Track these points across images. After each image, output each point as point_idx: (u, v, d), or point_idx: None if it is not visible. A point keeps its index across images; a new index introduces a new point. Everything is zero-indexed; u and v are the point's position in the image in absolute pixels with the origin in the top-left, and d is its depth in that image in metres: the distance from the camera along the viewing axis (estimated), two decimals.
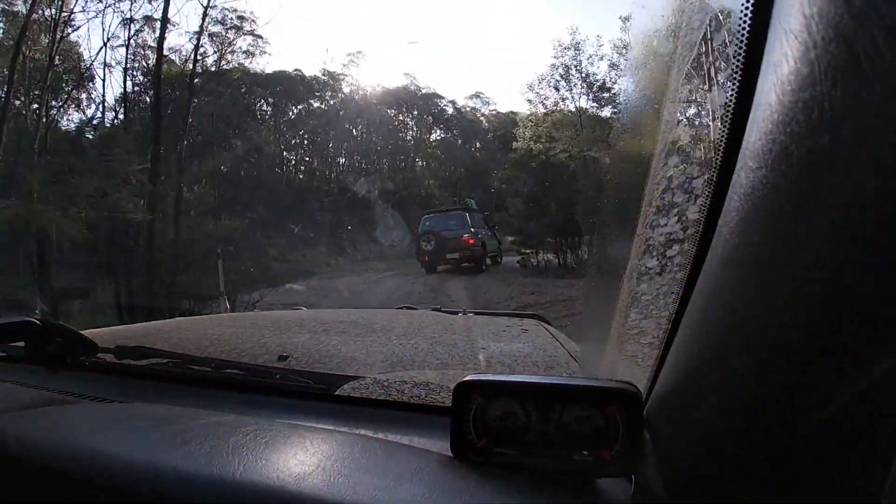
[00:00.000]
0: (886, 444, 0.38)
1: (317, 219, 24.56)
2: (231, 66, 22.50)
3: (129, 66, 19.84)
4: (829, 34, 0.27)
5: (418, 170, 31.54)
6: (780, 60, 0.32)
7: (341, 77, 28.76)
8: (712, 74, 0.53)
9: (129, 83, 19.83)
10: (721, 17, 0.44)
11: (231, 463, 0.58)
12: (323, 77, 28.02)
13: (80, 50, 18.64)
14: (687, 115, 0.59)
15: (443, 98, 32.22)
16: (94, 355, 1.05)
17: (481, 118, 33.42)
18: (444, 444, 0.66)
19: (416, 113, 31.68)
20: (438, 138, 32.51)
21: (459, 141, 31.96)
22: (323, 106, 28.61)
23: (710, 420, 0.45)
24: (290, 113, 28.14)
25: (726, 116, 0.42)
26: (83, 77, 18.87)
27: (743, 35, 0.38)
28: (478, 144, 32.70)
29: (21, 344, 0.99)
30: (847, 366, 0.31)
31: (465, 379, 0.66)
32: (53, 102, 17.99)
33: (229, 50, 22.56)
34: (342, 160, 29.75)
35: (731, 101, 0.41)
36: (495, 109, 33.67)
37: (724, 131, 0.42)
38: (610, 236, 1.04)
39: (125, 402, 0.99)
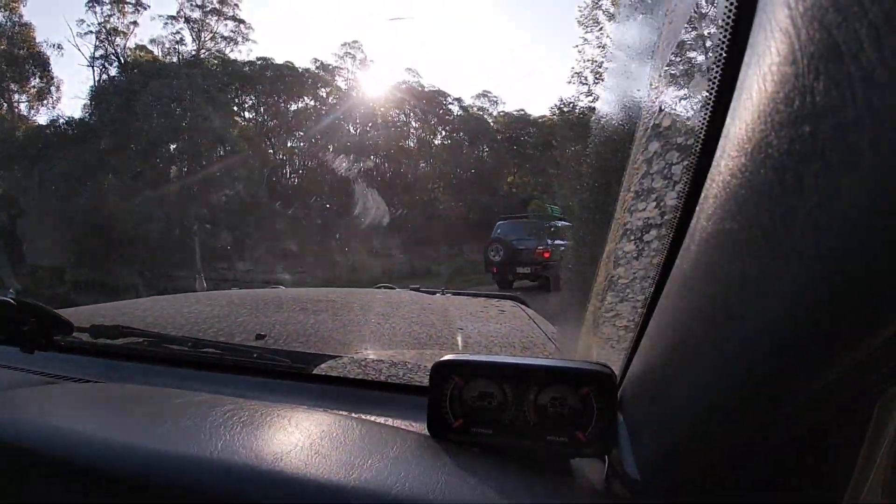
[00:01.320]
0: (857, 430, 0.39)
1: (303, 224, 22.91)
2: (209, 53, 21.07)
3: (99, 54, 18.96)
4: (814, 27, 0.27)
5: (421, 172, 29.54)
6: (764, 51, 0.32)
7: (335, 70, 26.48)
8: (695, 61, 0.54)
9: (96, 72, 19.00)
10: (706, 5, 0.44)
11: (208, 442, 0.58)
12: (316, 70, 26.00)
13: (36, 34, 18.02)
14: (668, 100, 0.59)
15: (448, 96, 30.15)
16: (70, 335, 1.03)
17: (488, 118, 31.46)
18: (421, 423, 0.66)
19: (419, 111, 29.62)
20: (444, 139, 30.52)
21: (466, 142, 30.07)
22: (315, 102, 26.64)
23: (682, 402, 0.46)
24: (279, 107, 25.51)
25: (708, 104, 0.42)
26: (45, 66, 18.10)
27: (728, 24, 0.38)
28: (486, 147, 30.72)
29: None
30: (822, 354, 0.32)
31: (442, 359, 0.67)
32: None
33: (209, 37, 21.18)
34: (334, 160, 26.84)
35: (713, 88, 0.41)
36: (503, 110, 31.82)
37: (704, 119, 0.43)
38: (588, 220, 1.05)
39: (101, 382, 0.97)
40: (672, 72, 0.58)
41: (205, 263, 15.77)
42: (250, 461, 0.55)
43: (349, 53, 26.77)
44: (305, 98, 25.87)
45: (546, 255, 12.06)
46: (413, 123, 29.88)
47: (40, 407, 0.68)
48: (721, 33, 0.39)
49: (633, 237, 0.68)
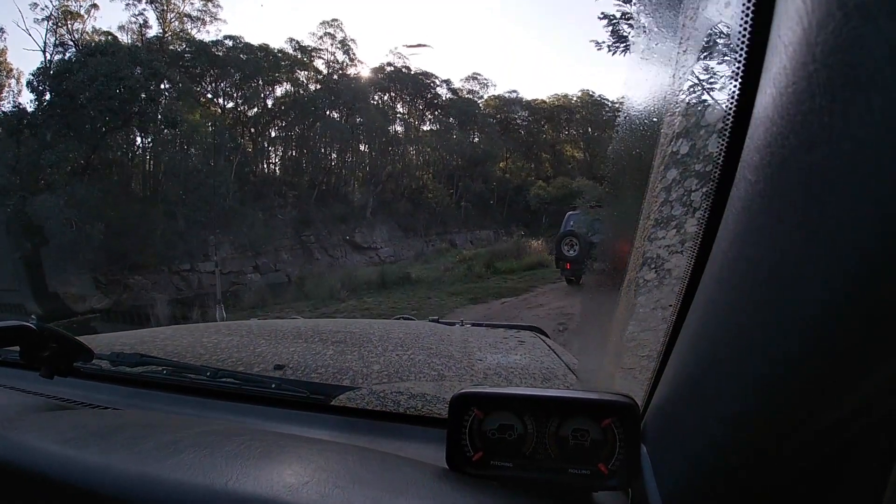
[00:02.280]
0: (884, 456, 0.37)
1: (277, 218, 21.26)
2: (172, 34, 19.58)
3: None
4: (828, 48, 0.27)
5: (409, 159, 28.55)
6: (779, 74, 0.32)
7: (314, 51, 24.90)
8: (711, 87, 0.54)
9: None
10: (721, 31, 0.44)
11: (224, 472, 0.57)
12: (293, 52, 24.39)
13: None
14: (686, 127, 0.59)
15: (436, 78, 28.93)
16: (90, 361, 1.04)
17: (479, 101, 30.33)
18: (439, 455, 0.65)
19: (406, 95, 28.23)
20: (432, 124, 29.21)
21: (456, 127, 28.72)
22: (293, 86, 24.89)
23: (706, 433, 0.44)
24: (252, 91, 23.43)
25: (725, 129, 0.42)
26: None
27: (742, 48, 0.38)
28: (476, 132, 29.44)
29: (16, 349, 0.98)
30: (845, 380, 0.31)
31: (461, 391, 0.66)
32: None
33: (174, 17, 19.31)
34: (315, 147, 25.45)
35: (729, 113, 0.41)
36: (495, 94, 30.72)
37: (722, 144, 0.43)
38: (608, 248, 1.04)
39: (119, 410, 0.98)
40: (688, 98, 0.58)
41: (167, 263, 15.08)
42: (266, 492, 0.54)
43: (329, 33, 25.31)
44: (284, 82, 24.66)
45: (626, 248, 11.18)
46: (400, 108, 28.63)
47: (57, 433, 0.68)
48: (735, 56, 0.39)
49: (653, 265, 0.68)
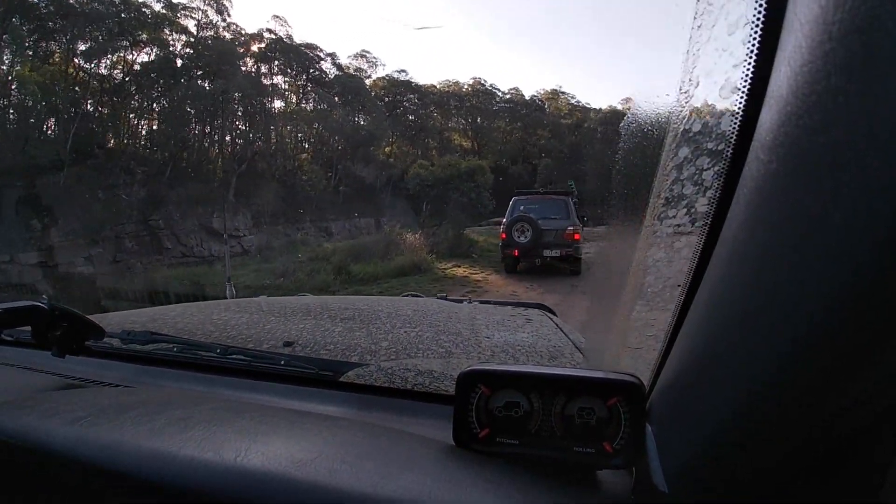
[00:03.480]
0: (891, 439, 0.37)
1: (122, 198, 17.36)
2: None
3: None
4: (844, 27, 0.26)
5: (284, 136, 25.22)
6: (794, 52, 0.31)
7: (185, 10, 21.81)
8: (725, 64, 0.52)
9: None
10: (736, 6, 0.43)
11: (234, 448, 0.58)
12: (161, 9, 21.03)
13: None
14: (698, 104, 0.58)
15: (320, 50, 26.58)
16: (101, 340, 1.06)
17: (366, 81, 28.29)
18: (446, 432, 0.66)
19: (287, 67, 25.75)
20: (315, 101, 26.72)
21: (339, 106, 26.47)
22: (154, 46, 21.23)
23: (712, 413, 0.44)
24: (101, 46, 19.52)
25: (738, 108, 0.41)
26: None
27: (757, 25, 0.37)
28: (362, 114, 27.02)
29: (27, 328, 1.00)
30: (854, 363, 0.31)
31: (468, 368, 0.66)
32: None
33: None
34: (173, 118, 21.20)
35: (743, 91, 0.40)
36: (384, 75, 28.96)
37: (735, 123, 0.42)
38: (617, 227, 1.03)
39: (130, 387, 1.00)
40: (701, 74, 0.56)
41: None
42: (275, 467, 0.55)
43: None
44: (145, 42, 21.07)
45: (577, 236, 11.02)
46: (279, 81, 25.64)
47: (69, 411, 0.70)
48: (750, 34, 0.38)
49: (663, 244, 0.67)
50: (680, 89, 0.62)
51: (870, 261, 0.27)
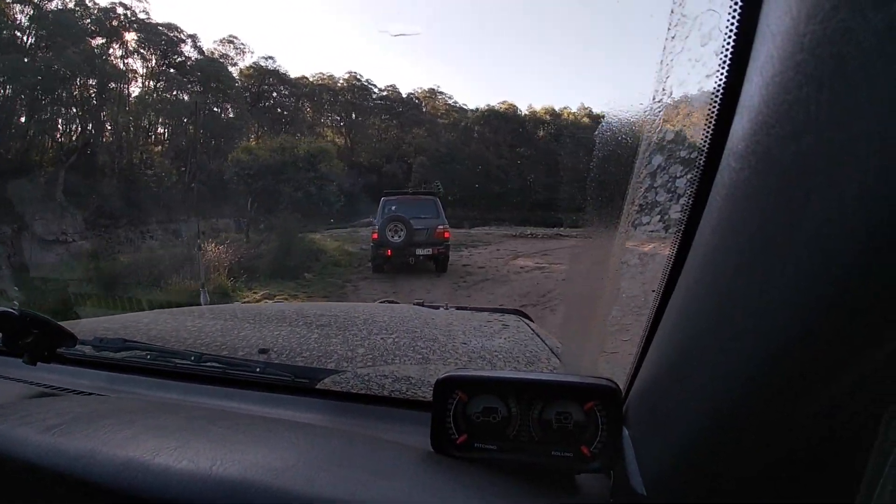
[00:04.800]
0: (867, 443, 0.38)
1: None
2: None
3: None
4: (816, 38, 0.27)
5: (129, 125, 21.56)
6: (766, 63, 0.32)
7: None
8: (698, 74, 0.54)
9: None
10: (709, 18, 0.44)
11: (209, 456, 0.57)
12: None
13: None
14: (672, 114, 0.59)
15: (180, 31, 23.32)
16: (73, 347, 1.03)
17: (232, 69, 25.59)
18: (424, 438, 0.66)
19: (140, 47, 22.03)
20: (172, 86, 23.25)
21: (199, 91, 23.47)
22: None
23: (688, 416, 0.45)
24: None
25: (710, 117, 0.42)
26: None
27: (730, 36, 0.38)
28: (224, 103, 24.75)
29: None
30: (828, 368, 0.31)
31: (445, 374, 0.66)
32: None
33: None
34: None
35: (715, 101, 0.41)
36: (251, 63, 26.42)
37: (708, 132, 0.43)
38: (592, 233, 1.04)
39: (104, 395, 0.97)
40: (674, 85, 0.58)
41: None
42: (250, 476, 0.54)
43: None
44: None
45: (447, 235, 11.29)
46: (135, 65, 22.59)
47: (43, 419, 0.68)
48: (723, 44, 0.39)
49: (637, 251, 0.68)
50: (653, 98, 0.64)
51: (840, 266, 0.28)
